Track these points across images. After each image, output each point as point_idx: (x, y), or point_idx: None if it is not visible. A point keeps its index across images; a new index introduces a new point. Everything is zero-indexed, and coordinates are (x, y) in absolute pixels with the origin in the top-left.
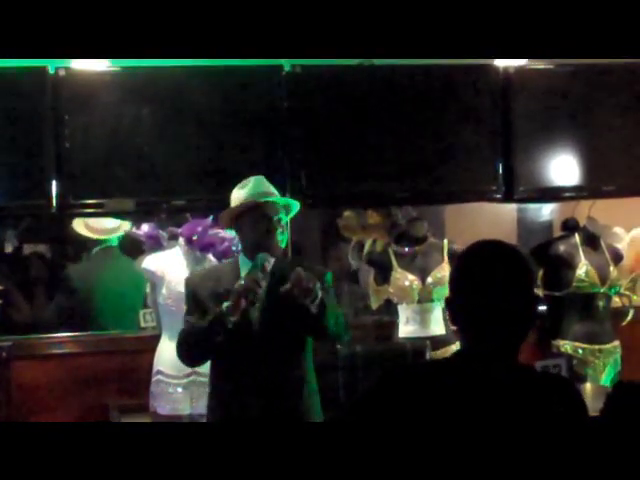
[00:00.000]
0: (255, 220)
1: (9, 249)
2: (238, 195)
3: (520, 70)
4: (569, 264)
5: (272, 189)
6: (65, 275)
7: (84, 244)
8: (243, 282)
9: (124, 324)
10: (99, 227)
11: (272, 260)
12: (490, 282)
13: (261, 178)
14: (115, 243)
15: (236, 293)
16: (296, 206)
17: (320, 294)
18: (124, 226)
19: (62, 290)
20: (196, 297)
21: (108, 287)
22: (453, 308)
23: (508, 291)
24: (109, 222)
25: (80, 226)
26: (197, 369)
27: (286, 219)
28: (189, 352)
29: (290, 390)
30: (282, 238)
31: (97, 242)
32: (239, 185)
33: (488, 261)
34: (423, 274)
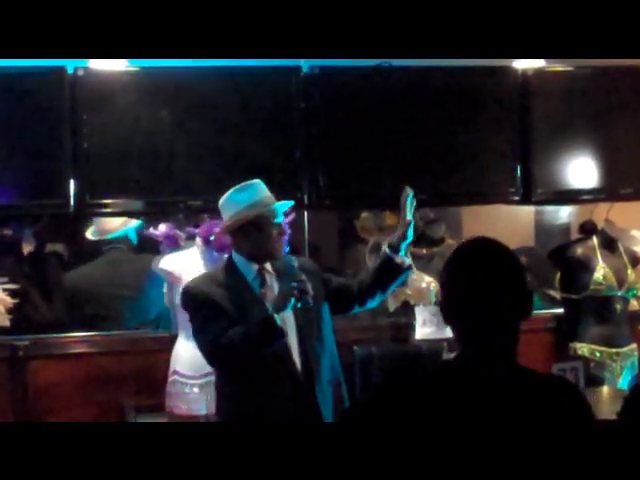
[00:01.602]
0: (265, 227)
1: (27, 248)
2: (240, 200)
3: (538, 72)
4: (586, 267)
5: (269, 193)
6: (65, 277)
7: (100, 244)
8: (295, 284)
9: (127, 326)
10: (105, 227)
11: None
12: (479, 280)
13: (260, 183)
14: (125, 245)
15: (284, 294)
16: (289, 205)
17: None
18: (130, 221)
19: (62, 292)
20: (215, 303)
21: (111, 289)
22: (445, 309)
23: (498, 288)
24: (115, 220)
25: (89, 231)
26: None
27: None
28: (234, 360)
29: (334, 382)
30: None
31: (108, 243)
32: (236, 190)
33: (476, 259)
34: None
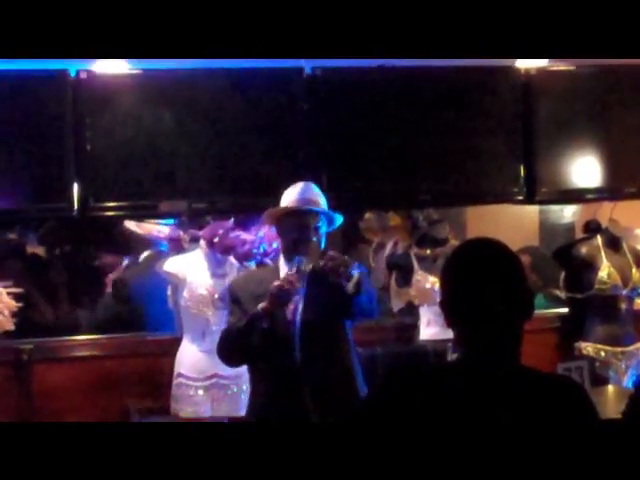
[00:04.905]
0: (292, 225)
1: (31, 252)
2: (285, 197)
3: (541, 72)
4: (591, 266)
5: (318, 197)
6: (117, 281)
7: (126, 248)
8: (278, 283)
9: (172, 327)
10: (150, 229)
11: (306, 262)
12: (478, 280)
13: (309, 185)
14: (164, 247)
15: (270, 294)
16: (339, 219)
17: (356, 274)
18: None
19: (115, 296)
20: (238, 300)
21: (156, 291)
22: (445, 309)
23: (497, 289)
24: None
25: (131, 224)
26: (219, 372)
27: (325, 229)
28: (228, 352)
29: (339, 386)
30: (318, 246)
31: (145, 247)
32: (291, 186)
33: (475, 259)
34: None
